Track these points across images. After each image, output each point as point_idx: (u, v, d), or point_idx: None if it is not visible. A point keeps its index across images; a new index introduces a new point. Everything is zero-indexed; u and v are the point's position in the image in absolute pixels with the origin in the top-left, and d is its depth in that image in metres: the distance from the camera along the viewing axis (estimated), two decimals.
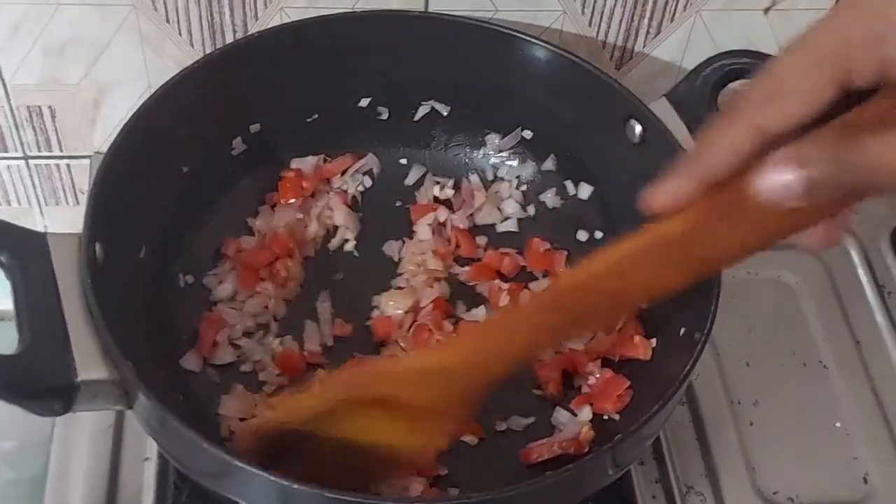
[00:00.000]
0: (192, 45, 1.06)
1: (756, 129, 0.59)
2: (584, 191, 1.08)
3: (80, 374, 0.79)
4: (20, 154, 1.14)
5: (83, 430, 1.00)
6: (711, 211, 0.63)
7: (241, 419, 0.93)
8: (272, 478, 0.75)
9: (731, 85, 1.01)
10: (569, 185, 1.09)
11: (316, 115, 1.08)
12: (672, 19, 1.10)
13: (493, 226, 1.10)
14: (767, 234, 0.65)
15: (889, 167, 0.55)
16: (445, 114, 1.10)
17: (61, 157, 1.15)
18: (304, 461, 0.77)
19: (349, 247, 1.08)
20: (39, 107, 1.10)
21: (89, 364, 0.80)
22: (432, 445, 0.77)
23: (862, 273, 1.16)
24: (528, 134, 1.09)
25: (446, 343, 0.82)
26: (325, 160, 1.10)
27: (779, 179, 0.57)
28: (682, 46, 1.13)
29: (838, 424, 1.05)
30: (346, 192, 1.09)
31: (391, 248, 1.07)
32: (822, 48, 0.57)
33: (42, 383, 0.79)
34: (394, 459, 0.76)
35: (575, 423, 0.94)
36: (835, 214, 0.63)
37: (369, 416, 0.73)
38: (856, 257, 1.17)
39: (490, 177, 1.12)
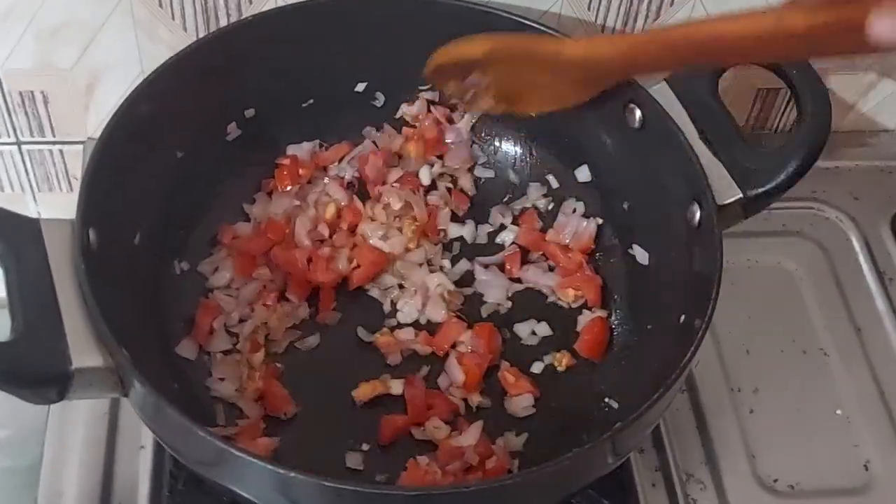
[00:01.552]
0: (185, 29, 1.05)
1: None
2: (583, 174, 1.07)
3: (74, 362, 0.78)
4: (13, 140, 1.13)
5: (78, 418, 0.99)
6: (828, 19, 0.72)
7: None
8: (268, 466, 0.74)
9: (731, 69, 1.01)
10: (568, 168, 1.09)
11: (311, 101, 1.08)
12: (672, 3, 1.09)
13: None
14: (865, 49, 0.73)
15: None
16: (438, 100, 1.10)
17: (54, 143, 1.14)
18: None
19: None
20: (32, 92, 1.09)
21: (84, 351, 0.79)
22: (567, 100, 0.94)
23: (862, 260, 1.15)
24: (526, 119, 1.08)
25: (592, 44, 0.93)
26: (320, 146, 1.09)
27: (886, 27, 0.68)
28: None
29: (839, 412, 1.05)
30: (342, 178, 1.08)
31: None
32: None
33: (36, 371, 0.78)
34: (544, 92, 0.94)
35: None
36: None
37: (528, 67, 0.91)
38: (856, 244, 1.16)
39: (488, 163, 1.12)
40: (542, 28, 1.01)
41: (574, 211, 1.07)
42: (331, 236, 1.05)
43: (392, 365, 0.99)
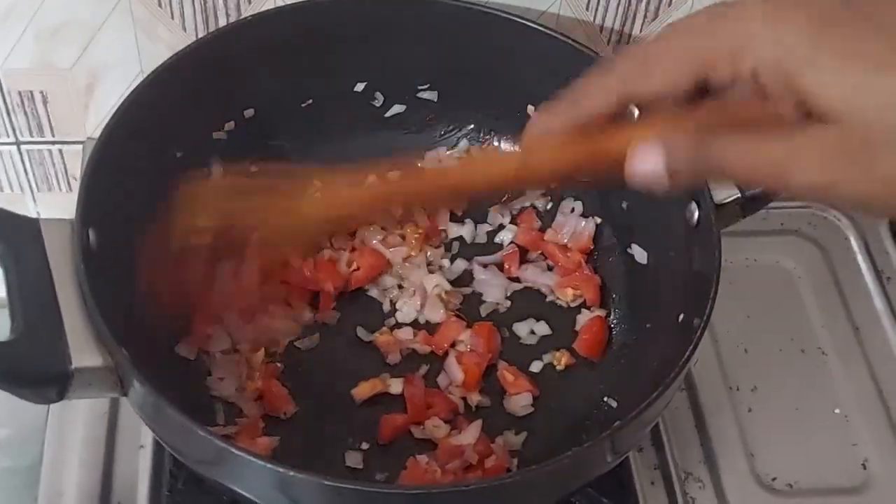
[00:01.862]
0: (184, 29, 1.05)
1: (623, 89, 0.67)
2: None
3: (74, 362, 0.78)
4: (12, 140, 1.13)
5: (77, 417, 0.99)
6: (580, 150, 0.69)
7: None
8: (268, 465, 0.74)
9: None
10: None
11: (310, 101, 1.07)
12: (670, 3, 1.09)
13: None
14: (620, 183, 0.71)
15: (735, 166, 0.62)
16: (438, 99, 1.10)
17: (54, 143, 1.14)
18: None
19: None
20: (31, 92, 1.09)
21: (83, 351, 0.79)
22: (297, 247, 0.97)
23: (861, 259, 1.16)
24: (524, 118, 1.08)
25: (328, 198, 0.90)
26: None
27: (647, 166, 0.64)
28: None
29: (837, 411, 1.05)
30: None
31: None
32: (690, 46, 0.64)
33: (36, 370, 0.78)
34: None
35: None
36: None
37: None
38: (854, 243, 1.17)
39: None
40: (542, 28, 1.01)
41: (573, 210, 1.08)
42: (330, 238, 1.05)
43: (391, 364, 0.99)
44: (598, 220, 1.06)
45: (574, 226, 1.06)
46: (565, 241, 1.06)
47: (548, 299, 1.05)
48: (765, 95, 0.62)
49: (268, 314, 1.00)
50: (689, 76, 0.64)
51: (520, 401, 0.97)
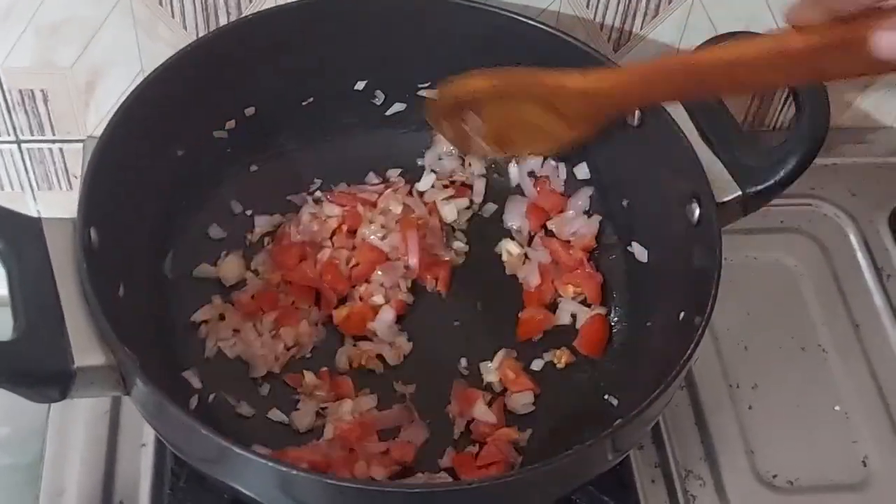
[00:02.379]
0: (185, 27, 1.05)
1: None
2: (582, 172, 1.07)
3: (76, 361, 0.79)
4: (12, 138, 1.13)
5: (79, 416, 0.99)
6: (836, 39, 0.70)
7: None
8: (270, 464, 0.75)
9: None
10: (566, 166, 1.09)
11: (311, 99, 1.07)
12: (670, 1, 1.09)
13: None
14: (878, 68, 0.72)
15: None
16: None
17: (54, 142, 1.14)
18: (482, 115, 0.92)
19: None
20: (32, 90, 1.09)
21: (86, 350, 0.79)
22: (564, 140, 0.92)
23: (861, 256, 1.16)
24: None
25: (600, 74, 0.90)
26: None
27: (892, 42, 0.67)
28: (680, 28, 1.12)
29: (837, 408, 1.05)
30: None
31: None
32: None
33: (38, 370, 0.78)
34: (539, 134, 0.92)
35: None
36: None
37: (526, 105, 0.89)
38: (854, 240, 1.17)
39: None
40: (542, 26, 1.01)
41: (580, 203, 1.08)
42: (331, 237, 1.05)
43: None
44: (599, 219, 1.06)
45: (578, 224, 1.06)
46: (568, 237, 1.06)
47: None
48: None
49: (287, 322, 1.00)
50: None
51: (521, 399, 0.97)
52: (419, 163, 1.12)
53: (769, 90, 0.93)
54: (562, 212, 1.08)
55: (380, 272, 1.02)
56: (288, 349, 0.99)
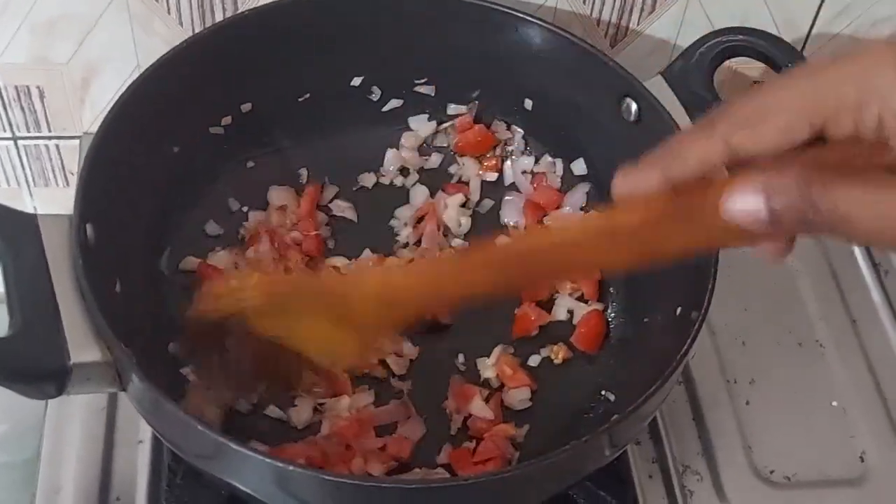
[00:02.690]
0: (181, 23, 1.05)
1: (729, 147, 0.61)
2: (579, 168, 1.07)
3: (72, 357, 0.78)
4: (8, 135, 1.13)
5: (76, 412, 0.99)
6: (671, 209, 0.64)
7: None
8: (267, 459, 0.74)
9: (726, 63, 1.01)
10: (564, 162, 1.09)
11: (308, 95, 1.07)
12: None
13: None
14: (720, 240, 0.68)
15: (857, 222, 0.56)
16: (435, 93, 1.10)
17: (50, 138, 1.14)
18: (233, 348, 0.78)
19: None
20: (28, 86, 1.09)
21: (82, 346, 0.79)
22: (351, 360, 0.81)
23: (858, 252, 1.16)
24: (522, 111, 1.09)
25: (398, 271, 0.83)
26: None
27: (747, 206, 0.59)
28: (676, 24, 1.12)
29: (835, 403, 1.05)
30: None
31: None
32: (811, 95, 0.59)
33: (34, 366, 0.78)
34: (315, 363, 0.78)
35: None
36: (792, 238, 0.64)
37: (304, 320, 0.75)
38: None
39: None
40: (539, 22, 1.01)
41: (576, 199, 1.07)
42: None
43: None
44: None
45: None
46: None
47: None
48: (882, 145, 0.58)
49: None
50: (806, 131, 0.59)
51: (517, 395, 0.97)
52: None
53: (613, 270, 0.81)
54: (558, 208, 1.08)
55: None
56: None
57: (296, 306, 0.75)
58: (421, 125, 1.11)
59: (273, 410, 0.95)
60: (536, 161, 1.10)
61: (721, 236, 0.64)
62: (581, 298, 1.03)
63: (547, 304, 1.03)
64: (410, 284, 0.75)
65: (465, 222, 1.08)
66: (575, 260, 0.70)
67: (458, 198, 1.09)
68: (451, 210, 1.08)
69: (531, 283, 0.85)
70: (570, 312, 1.03)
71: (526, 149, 1.11)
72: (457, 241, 1.07)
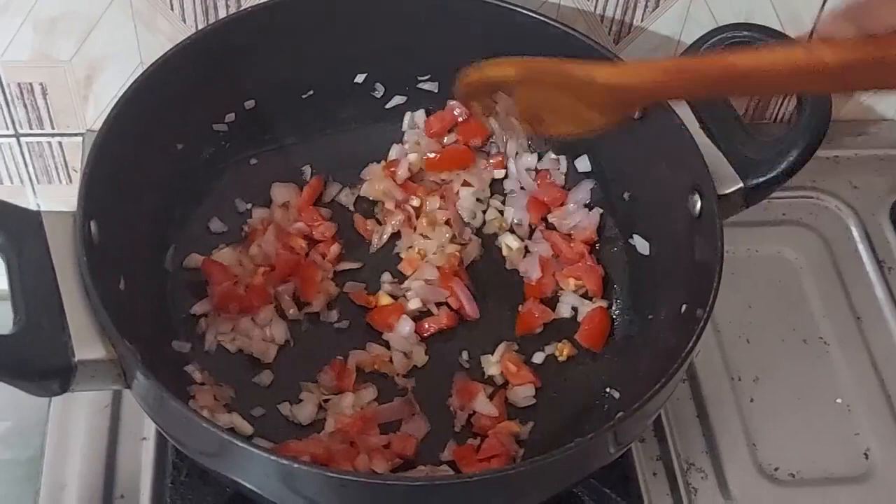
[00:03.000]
0: (184, 20, 1.05)
1: None
2: (583, 164, 1.07)
3: (77, 354, 0.78)
4: (11, 132, 1.13)
5: (80, 410, 0.99)
6: (862, 56, 0.70)
7: None
8: (272, 457, 0.74)
9: None
10: (568, 159, 1.09)
11: (311, 92, 1.07)
12: None
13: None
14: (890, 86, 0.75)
15: None
16: (439, 90, 1.09)
17: (53, 135, 1.14)
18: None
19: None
20: (31, 84, 1.09)
21: (87, 344, 0.79)
22: (594, 125, 0.87)
23: (862, 249, 1.15)
24: None
25: (630, 66, 0.89)
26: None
27: None
28: (680, 20, 1.12)
29: (839, 400, 1.05)
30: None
31: None
32: None
33: (39, 364, 0.78)
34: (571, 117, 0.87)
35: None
36: None
37: (556, 91, 0.86)
38: (856, 233, 1.17)
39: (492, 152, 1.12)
40: (543, 18, 1.01)
41: (580, 195, 1.08)
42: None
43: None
44: (601, 211, 1.06)
45: (579, 217, 1.06)
46: (569, 231, 1.06)
47: None
48: None
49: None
50: None
51: (522, 392, 0.97)
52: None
53: (791, 94, 0.92)
54: (562, 205, 1.07)
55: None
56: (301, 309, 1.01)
57: (547, 83, 0.86)
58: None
59: (283, 407, 0.95)
60: (540, 158, 1.10)
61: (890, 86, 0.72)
62: (585, 295, 1.03)
63: (551, 302, 1.03)
64: (639, 79, 0.82)
65: (479, 216, 1.09)
66: (775, 83, 0.78)
67: (472, 190, 1.09)
68: (465, 201, 1.08)
69: (734, 94, 0.95)
70: (575, 310, 1.03)
71: (529, 146, 1.10)
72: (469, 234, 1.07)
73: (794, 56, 0.74)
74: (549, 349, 1.01)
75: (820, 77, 0.74)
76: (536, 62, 0.88)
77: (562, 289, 1.04)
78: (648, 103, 0.92)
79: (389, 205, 1.08)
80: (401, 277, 1.04)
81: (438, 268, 1.03)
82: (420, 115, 1.10)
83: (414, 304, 1.01)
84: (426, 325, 1.01)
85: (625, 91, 0.82)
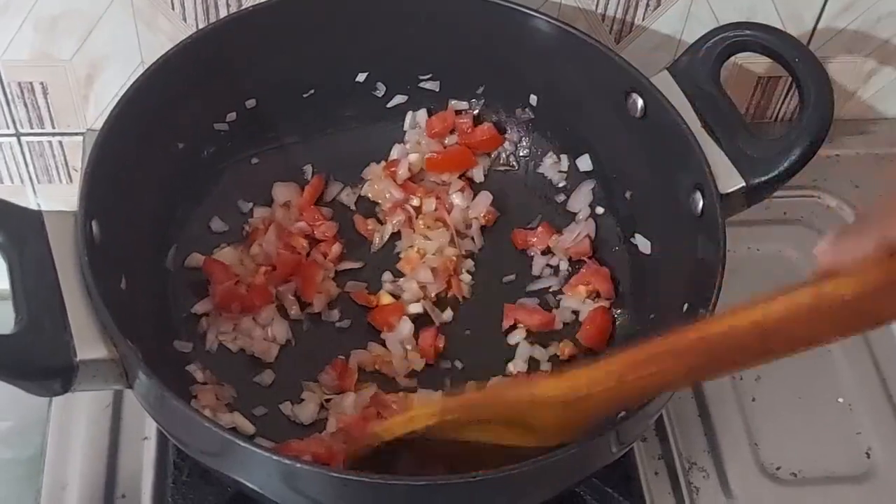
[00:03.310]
0: (184, 19, 1.05)
1: None
2: (584, 164, 1.07)
3: (78, 354, 0.78)
4: (12, 131, 1.13)
5: (81, 409, 0.99)
6: (889, 273, 0.59)
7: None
8: (274, 456, 0.74)
9: (732, 58, 1.00)
10: (569, 158, 1.08)
11: (312, 91, 1.07)
12: None
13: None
14: None
15: None
16: (440, 89, 1.09)
17: (54, 135, 1.14)
18: (412, 457, 0.78)
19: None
20: (31, 83, 1.08)
21: (88, 343, 0.79)
22: (541, 444, 0.75)
23: None
24: (528, 108, 1.08)
25: (577, 374, 0.75)
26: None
27: None
28: (682, 19, 1.12)
29: (841, 400, 1.05)
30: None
31: None
32: None
33: (41, 363, 0.78)
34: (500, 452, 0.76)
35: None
36: None
37: (481, 426, 0.75)
38: None
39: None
40: (544, 17, 1.00)
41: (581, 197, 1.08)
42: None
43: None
44: (601, 211, 1.06)
45: (573, 236, 1.06)
46: (565, 248, 1.06)
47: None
48: None
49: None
50: None
51: None
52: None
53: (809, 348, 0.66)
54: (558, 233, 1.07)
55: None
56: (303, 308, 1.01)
57: (474, 421, 0.75)
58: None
59: (279, 407, 0.95)
60: (542, 157, 1.10)
61: None
62: (588, 295, 1.03)
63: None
64: (593, 385, 0.70)
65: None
66: (778, 341, 0.64)
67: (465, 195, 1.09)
68: (457, 212, 1.08)
69: (727, 369, 0.78)
70: (575, 313, 1.03)
71: (531, 145, 1.10)
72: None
73: (798, 300, 0.61)
74: (551, 349, 1.00)
75: (838, 317, 0.61)
76: (453, 402, 0.78)
77: (562, 292, 1.04)
78: (616, 411, 0.76)
79: (389, 205, 1.07)
80: (402, 277, 1.04)
81: (433, 269, 1.03)
82: (422, 114, 1.10)
83: (414, 309, 1.01)
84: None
85: (576, 401, 0.70)
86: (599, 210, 1.06)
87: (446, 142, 1.10)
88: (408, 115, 1.10)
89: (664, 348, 0.68)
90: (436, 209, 1.07)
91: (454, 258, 1.04)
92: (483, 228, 1.08)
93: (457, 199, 1.08)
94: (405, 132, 1.11)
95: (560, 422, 0.71)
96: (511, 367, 0.99)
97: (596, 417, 0.73)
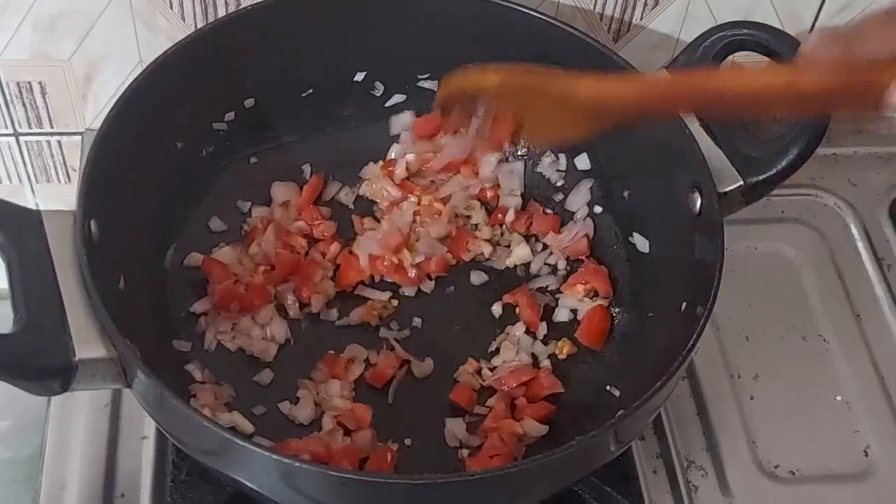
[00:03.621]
0: (183, 19, 1.05)
1: None
2: (582, 162, 1.07)
3: (77, 353, 0.78)
4: (10, 131, 1.13)
5: (79, 409, 0.99)
6: (845, 82, 0.71)
7: None
8: (273, 456, 0.74)
9: (730, 57, 1.00)
10: (567, 157, 1.09)
11: (311, 90, 1.07)
12: None
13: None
14: (869, 114, 0.82)
15: None
16: (438, 88, 1.09)
17: (52, 134, 1.14)
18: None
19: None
20: (30, 83, 1.08)
21: (87, 342, 0.79)
22: (575, 135, 0.87)
23: (861, 246, 1.16)
24: None
25: (614, 80, 0.86)
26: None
27: None
28: (680, 18, 1.12)
29: (839, 398, 1.05)
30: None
31: None
32: None
33: (39, 363, 0.78)
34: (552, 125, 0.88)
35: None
36: None
37: (538, 100, 0.86)
38: (855, 231, 1.17)
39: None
40: (542, 16, 1.01)
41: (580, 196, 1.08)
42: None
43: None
44: (599, 210, 1.06)
45: (569, 237, 1.06)
46: (566, 252, 1.06)
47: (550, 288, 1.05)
48: None
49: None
50: None
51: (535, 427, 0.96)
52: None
53: (776, 113, 0.92)
54: (557, 231, 1.07)
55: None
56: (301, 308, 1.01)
57: (529, 93, 0.86)
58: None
59: (284, 406, 0.95)
60: (540, 156, 1.10)
61: (870, 111, 0.71)
62: (586, 294, 1.03)
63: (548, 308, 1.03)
64: (620, 94, 0.83)
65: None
66: (759, 102, 0.78)
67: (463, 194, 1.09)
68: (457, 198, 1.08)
69: (724, 112, 0.92)
70: (573, 312, 1.03)
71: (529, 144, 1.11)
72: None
73: (777, 79, 0.76)
74: (549, 347, 1.01)
75: (801, 101, 0.76)
76: (520, 70, 0.87)
77: (560, 291, 1.04)
78: (630, 119, 0.89)
79: (387, 203, 1.07)
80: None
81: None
82: (406, 116, 1.10)
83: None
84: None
85: (608, 104, 0.83)
86: (598, 209, 1.06)
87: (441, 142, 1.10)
88: (391, 119, 1.10)
89: (677, 86, 0.83)
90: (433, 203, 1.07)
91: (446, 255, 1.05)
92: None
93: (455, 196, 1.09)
94: (398, 134, 1.11)
95: (594, 114, 0.84)
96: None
97: (618, 120, 0.85)
